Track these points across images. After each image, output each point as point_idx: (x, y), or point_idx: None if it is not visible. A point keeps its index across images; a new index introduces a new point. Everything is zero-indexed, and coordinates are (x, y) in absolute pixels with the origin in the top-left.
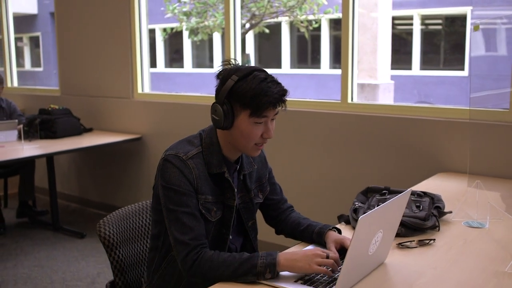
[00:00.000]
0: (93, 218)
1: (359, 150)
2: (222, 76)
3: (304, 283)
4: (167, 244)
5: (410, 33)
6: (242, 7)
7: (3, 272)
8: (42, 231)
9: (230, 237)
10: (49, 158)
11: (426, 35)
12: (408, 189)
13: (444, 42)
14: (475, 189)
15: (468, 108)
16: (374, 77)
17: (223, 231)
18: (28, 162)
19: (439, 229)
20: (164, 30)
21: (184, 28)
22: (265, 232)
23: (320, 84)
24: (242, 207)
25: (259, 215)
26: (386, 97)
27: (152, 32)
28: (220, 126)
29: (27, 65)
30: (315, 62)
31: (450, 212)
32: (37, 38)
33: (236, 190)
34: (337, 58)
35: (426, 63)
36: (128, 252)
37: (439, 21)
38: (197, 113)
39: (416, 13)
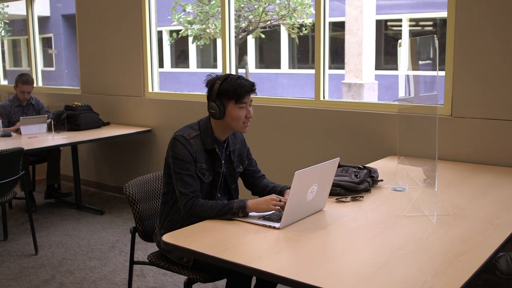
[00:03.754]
0: (110, 199)
1: (328, 138)
2: (209, 84)
3: (264, 219)
4: (174, 199)
5: (401, 35)
6: (239, 16)
7: (39, 239)
8: (68, 209)
9: (219, 195)
10: (74, 146)
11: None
12: (337, 158)
13: None
14: (401, 164)
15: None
16: (359, 77)
17: (213, 190)
18: (55, 151)
19: (370, 191)
20: (171, 35)
21: (189, 33)
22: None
23: None
24: (228, 174)
25: (239, 182)
26: (370, 96)
27: (159, 33)
28: (216, 117)
29: (40, 65)
30: (313, 62)
31: (381, 180)
32: (49, 39)
33: (223, 162)
34: (333, 59)
35: None
36: (145, 206)
37: (429, 23)
38: (199, 109)
39: (405, 17)
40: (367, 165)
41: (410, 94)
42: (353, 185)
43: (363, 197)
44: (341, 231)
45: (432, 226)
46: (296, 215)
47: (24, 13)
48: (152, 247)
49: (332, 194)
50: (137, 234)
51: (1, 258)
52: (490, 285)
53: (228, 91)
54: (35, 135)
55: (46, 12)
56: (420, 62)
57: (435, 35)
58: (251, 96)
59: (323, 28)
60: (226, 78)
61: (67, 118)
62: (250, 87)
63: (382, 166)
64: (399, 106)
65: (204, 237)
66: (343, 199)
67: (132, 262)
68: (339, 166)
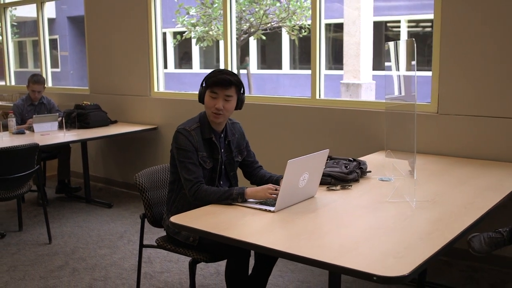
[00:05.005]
0: (117, 194)
1: (322, 134)
2: None
3: (261, 203)
4: (179, 186)
5: (400, 36)
6: (241, 18)
7: (51, 230)
8: (78, 203)
9: (221, 182)
10: (83, 143)
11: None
12: (326, 149)
13: (424, 44)
14: (388, 157)
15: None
16: (357, 78)
17: (214, 175)
18: (66, 148)
19: (359, 181)
20: (175, 36)
21: (192, 35)
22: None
23: None
24: (227, 162)
25: (239, 173)
26: (368, 95)
27: (163, 35)
28: (200, 101)
29: (49, 66)
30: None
31: (370, 171)
32: (55, 41)
33: (222, 150)
34: (334, 60)
35: None
36: (154, 195)
37: (428, 24)
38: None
39: (403, 19)
40: (357, 158)
41: (400, 93)
42: (342, 175)
43: (351, 186)
44: (329, 214)
45: (411, 210)
46: (289, 200)
47: (30, 15)
48: (159, 235)
49: (323, 183)
50: (146, 220)
51: (18, 247)
52: (472, 270)
53: (208, 78)
54: (47, 133)
55: (52, 14)
56: (405, 63)
57: (413, 39)
58: (229, 92)
59: (319, 30)
60: (213, 70)
61: (77, 116)
62: (223, 81)
63: (372, 159)
64: (386, 104)
65: (208, 219)
66: (333, 188)
67: (142, 246)
68: (331, 158)
